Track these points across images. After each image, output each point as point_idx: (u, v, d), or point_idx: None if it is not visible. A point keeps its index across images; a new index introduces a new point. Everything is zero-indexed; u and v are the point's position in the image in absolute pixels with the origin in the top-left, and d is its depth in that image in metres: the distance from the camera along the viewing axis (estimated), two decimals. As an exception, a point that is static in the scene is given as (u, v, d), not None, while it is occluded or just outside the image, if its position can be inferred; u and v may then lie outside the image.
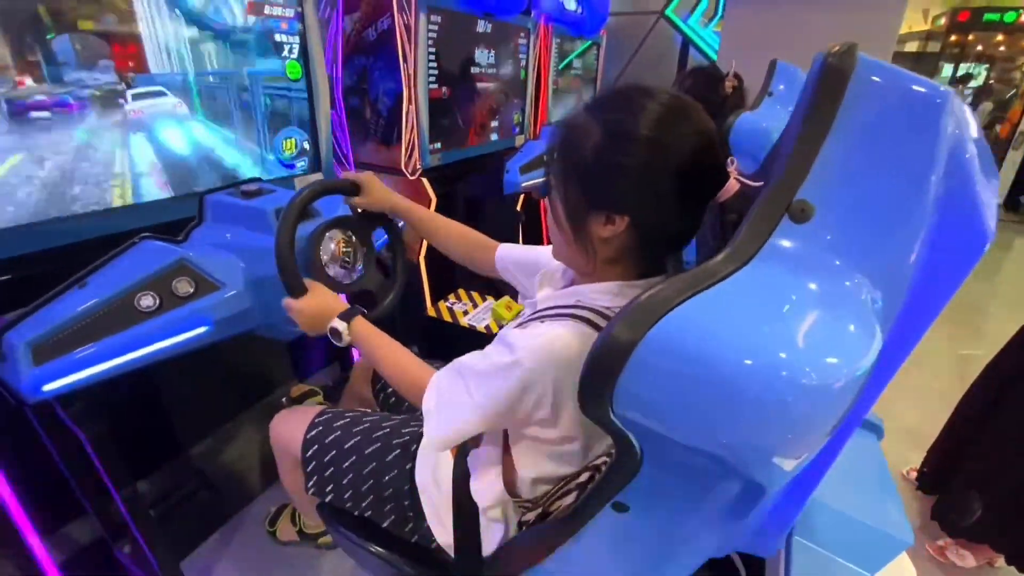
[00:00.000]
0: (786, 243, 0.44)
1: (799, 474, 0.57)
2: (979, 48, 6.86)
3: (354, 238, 1.12)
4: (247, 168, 1.36)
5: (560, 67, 2.75)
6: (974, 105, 6.64)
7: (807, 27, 2.89)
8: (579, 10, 2.61)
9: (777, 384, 0.41)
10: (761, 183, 0.59)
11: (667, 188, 0.64)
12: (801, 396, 0.41)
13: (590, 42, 2.97)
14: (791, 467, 0.49)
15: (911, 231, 0.47)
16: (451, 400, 0.76)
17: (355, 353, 1.76)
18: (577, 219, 0.70)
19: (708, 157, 0.65)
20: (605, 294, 0.72)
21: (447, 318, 2.15)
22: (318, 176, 1.55)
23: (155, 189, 1.16)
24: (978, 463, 1.64)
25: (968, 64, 6.92)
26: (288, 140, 1.44)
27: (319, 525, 1.30)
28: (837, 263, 0.45)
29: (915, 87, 0.44)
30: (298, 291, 0.95)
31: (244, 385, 1.59)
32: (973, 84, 6.86)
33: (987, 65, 6.81)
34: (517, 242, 2.71)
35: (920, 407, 2.28)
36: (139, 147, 1.12)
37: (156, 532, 1.14)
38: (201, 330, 1.00)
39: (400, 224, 1.17)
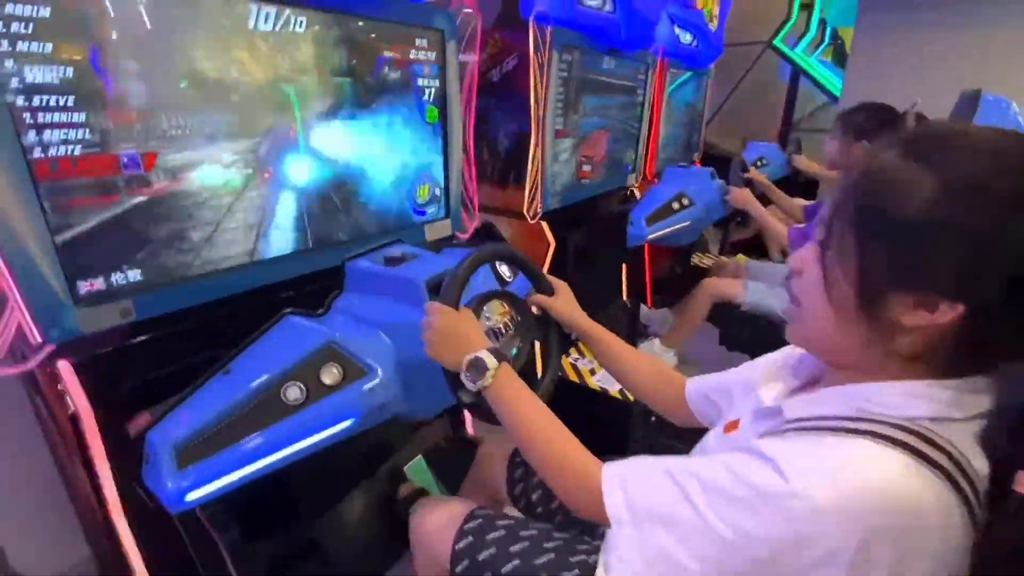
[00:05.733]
0: None
1: None
2: None
3: (519, 323, 0.96)
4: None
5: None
6: None
7: (953, 58, 2.58)
8: (694, 43, 2.43)
9: None
10: None
11: None
12: None
13: (692, 72, 2.75)
14: None
15: None
16: (660, 510, 0.56)
17: (468, 424, 1.57)
18: (871, 297, 0.51)
19: None
20: (909, 398, 0.51)
21: (573, 377, 1.86)
22: (447, 223, 1.43)
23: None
24: None
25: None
26: (423, 187, 1.33)
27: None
28: None
29: None
30: (451, 303, 0.81)
31: (363, 457, 1.43)
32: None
33: None
34: (621, 290, 2.51)
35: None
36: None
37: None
38: (347, 424, 0.86)
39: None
